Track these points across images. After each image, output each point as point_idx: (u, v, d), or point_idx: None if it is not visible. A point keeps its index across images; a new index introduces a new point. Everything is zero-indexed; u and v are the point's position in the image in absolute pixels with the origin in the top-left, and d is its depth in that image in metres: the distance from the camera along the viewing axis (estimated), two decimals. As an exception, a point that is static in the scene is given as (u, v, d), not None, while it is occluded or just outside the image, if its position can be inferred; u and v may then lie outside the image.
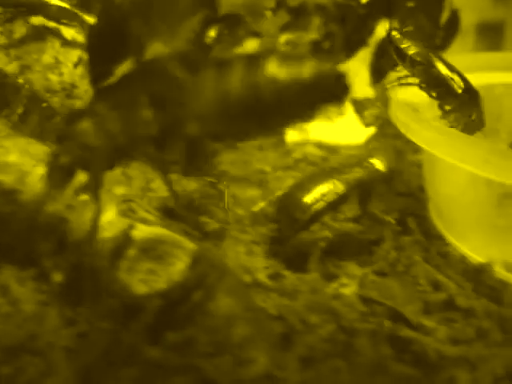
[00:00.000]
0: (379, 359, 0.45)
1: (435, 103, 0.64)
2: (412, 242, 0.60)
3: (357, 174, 0.58)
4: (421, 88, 0.64)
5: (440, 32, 0.77)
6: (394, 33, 0.65)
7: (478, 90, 0.63)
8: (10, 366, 0.43)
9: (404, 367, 0.45)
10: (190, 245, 0.49)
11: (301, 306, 0.50)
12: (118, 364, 0.43)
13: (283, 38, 0.77)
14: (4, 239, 0.51)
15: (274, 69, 0.42)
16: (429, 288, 0.55)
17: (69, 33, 0.66)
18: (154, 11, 0.48)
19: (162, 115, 0.45)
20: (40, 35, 0.66)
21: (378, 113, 0.75)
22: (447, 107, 0.63)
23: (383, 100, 0.69)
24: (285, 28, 0.77)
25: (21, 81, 0.64)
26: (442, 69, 0.63)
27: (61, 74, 0.65)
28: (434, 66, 0.63)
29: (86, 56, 0.64)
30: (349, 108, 0.78)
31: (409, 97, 0.64)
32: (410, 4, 0.74)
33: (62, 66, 0.65)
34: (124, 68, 0.47)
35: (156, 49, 0.46)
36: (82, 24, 0.64)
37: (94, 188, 0.46)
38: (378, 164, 0.60)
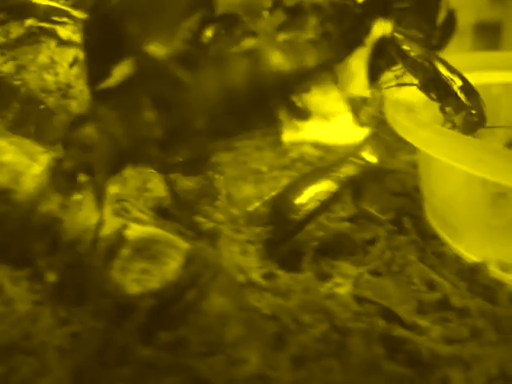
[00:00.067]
0: (372, 359, 0.45)
1: (432, 103, 0.64)
2: (407, 242, 0.60)
3: (348, 171, 0.58)
4: (421, 89, 0.64)
5: (437, 32, 0.77)
6: (396, 34, 0.65)
7: (477, 91, 0.63)
8: (4, 366, 0.43)
9: (397, 367, 0.45)
10: (183, 244, 0.49)
11: (294, 306, 0.50)
12: (110, 363, 0.43)
13: (280, 37, 0.77)
14: (-2, 239, 0.51)
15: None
16: (423, 287, 0.55)
17: (64, 33, 0.65)
18: (151, 11, 0.48)
19: (166, 116, 0.45)
20: (36, 35, 0.66)
21: (374, 112, 0.75)
22: (448, 108, 0.63)
23: (379, 99, 0.69)
24: (281, 27, 0.77)
25: (17, 82, 0.64)
26: (443, 70, 0.63)
27: (56, 74, 0.65)
28: (434, 68, 0.63)
29: (81, 56, 0.64)
30: (345, 107, 0.78)
31: (405, 96, 0.64)
32: (406, 4, 0.74)
33: (57, 66, 0.65)
34: (121, 68, 0.47)
35: (153, 49, 0.46)
36: (75, 22, 0.64)
37: (97, 194, 0.46)
38: (369, 157, 0.60)
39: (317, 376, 0.44)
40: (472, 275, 0.56)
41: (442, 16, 0.77)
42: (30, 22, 0.65)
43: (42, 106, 0.65)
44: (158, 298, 0.46)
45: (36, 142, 0.55)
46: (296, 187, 0.57)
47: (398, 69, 0.66)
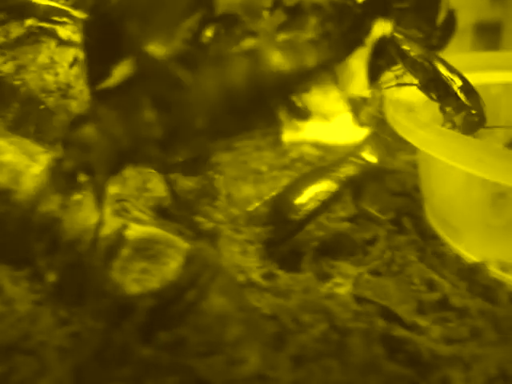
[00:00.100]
0: (372, 359, 0.45)
1: (432, 103, 0.64)
2: (407, 242, 0.60)
3: (348, 171, 0.58)
4: (421, 89, 0.64)
5: (437, 32, 0.77)
6: (396, 34, 0.65)
7: (477, 91, 0.63)
8: (4, 366, 0.43)
9: (397, 367, 0.45)
10: (183, 244, 0.49)
11: (294, 306, 0.50)
12: (110, 363, 0.43)
13: (280, 37, 0.77)
14: (-2, 239, 0.51)
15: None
16: (423, 288, 0.55)
17: (64, 33, 0.66)
18: (151, 11, 0.48)
19: (166, 116, 0.45)
20: (36, 35, 0.66)
21: (374, 112, 0.75)
22: (448, 109, 0.63)
23: (379, 99, 0.69)
24: (281, 27, 0.77)
25: (17, 82, 0.64)
26: (443, 70, 0.63)
27: (56, 74, 0.65)
28: (434, 68, 0.63)
29: (81, 56, 0.64)
30: (345, 107, 0.78)
31: (405, 96, 0.64)
32: (406, 4, 0.74)
33: (57, 66, 0.65)
34: (121, 68, 0.47)
35: (153, 49, 0.46)
36: (75, 22, 0.64)
37: (97, 194, 0.46)
38: (369, 157, 0.59)
39: (316, 376, 0.43)
40: (472, 275, 0.56)
41: (442, 16, 0.77)
42: (30, 21, 0.65)
43: (41, 106, 0.65)
44: (157, 298, 0.46)
45: (36, 142, 0.55)
46: (296, 187, 0.57)
47: (397, 69, 0.66)
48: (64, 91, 0.65)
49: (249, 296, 0.51)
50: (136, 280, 0.47)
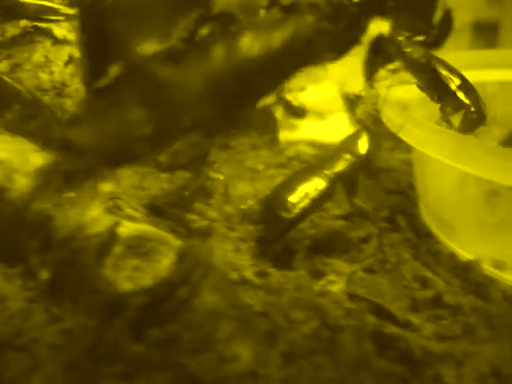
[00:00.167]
0: (363, 355, 0.45)
1: (427, 101, 0.64)
2: (401, 240, 0.60)
3: (339, 167, 0.58)
4: (421, 89, 0.64)
5: (433, 31, 0.77)
6: (396, 34, 0.65)
7: (476, 90, 0.63)
8: (-5, 362, 0.43)
9: (388, 363, 0.45)
10: (175, 242, 0.49)
11: (286, 303, 0.50)
12: (102, 360, 0.43)
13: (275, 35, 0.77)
14: (-9, 236, 0.51)
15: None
16: (417, 285, 0.55)
17: (60, 32, 0.66)
18: (148, 10, 0.49)
19: (155, 114, 0.45)
20: (31, 34, 0.66)
21: (369, 110, 0.75)
22: (448, 108, 0.63)
23: (375, 97, 0.70)
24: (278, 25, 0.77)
25: (12, 81, 0.64)
26: (442, 70, 0.63)
27: (51, 73, 0.65)
28: (434, 68, 0.63)
29: (76, 54, 0.64)
30: (341, 106, 0.78)
31: (400, 94, 0.64)
32: (402, 3, 0.74)
33: (52, 64, 0.66)
34: (116, 67, 0.47)
35: (141, 48, 0.46)
36: (70, 21, 0.64)
37: (90, 192, 0.46)
38: (358, 149, 0.59)
39: (307, 373, 0.43)
40: (465, 273, 0.56)
41: (438, 15, 0.77)
42: (25, 21, 0.65)
43: (37, 105, 0.65)
44: (150, 295, 0.46)
45: (30, 141, 0.55)
46: (288, 185, 0.57)
47: (394, 67, 0.66)
48: (59, 90, 0.65)
49: (241, 293, 0.51)
50: (128, 277, 0.47)
